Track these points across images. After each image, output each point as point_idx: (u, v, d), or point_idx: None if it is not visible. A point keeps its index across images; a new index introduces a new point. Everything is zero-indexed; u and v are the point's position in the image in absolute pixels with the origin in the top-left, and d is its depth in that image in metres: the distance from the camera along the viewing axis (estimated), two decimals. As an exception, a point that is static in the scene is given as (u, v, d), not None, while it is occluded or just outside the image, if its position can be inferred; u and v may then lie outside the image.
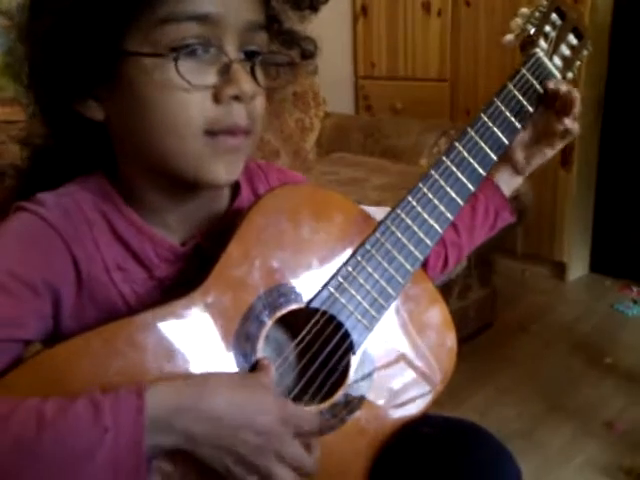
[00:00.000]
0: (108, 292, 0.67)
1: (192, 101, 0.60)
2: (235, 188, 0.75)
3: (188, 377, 0.59)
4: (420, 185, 0.73)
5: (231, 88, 0.61)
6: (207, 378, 0.59)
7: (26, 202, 0.65)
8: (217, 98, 0.61)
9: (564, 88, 0.80)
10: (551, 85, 0.80)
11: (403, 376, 0.71)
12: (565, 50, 0.86)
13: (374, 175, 1.89)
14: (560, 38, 0.85)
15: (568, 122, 0.81)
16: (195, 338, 0.61)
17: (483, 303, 2.05)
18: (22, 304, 0.59)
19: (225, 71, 0.61)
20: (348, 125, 2.33)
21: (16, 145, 1.76)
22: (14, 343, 0.59)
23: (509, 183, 0.89)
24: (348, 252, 0.69)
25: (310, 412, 0.63)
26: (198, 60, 0.60)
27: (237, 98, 0.61)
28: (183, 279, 0.68)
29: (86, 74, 0.61)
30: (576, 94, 0.81)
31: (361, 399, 0.69)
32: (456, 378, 0.75)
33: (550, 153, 0.86)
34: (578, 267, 2.49)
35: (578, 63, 0.89)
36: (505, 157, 0.86)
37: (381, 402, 0.70)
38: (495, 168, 0.87)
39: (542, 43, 0.83)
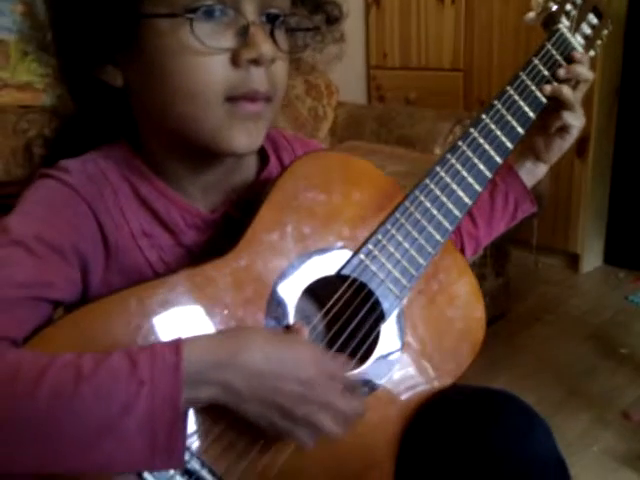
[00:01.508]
0: (135, 259, 0.67)
1: (209, 65, 0.59)
2: (263, 158, 0.75)
3: (226, 332, 0.59)
4: (448, 156, 0.72)
5: (249, 51, 0.59)
6: (244, 332, 0.59)
7: (50, 169, 0.65)
8: (235, 62, 0.60)
9: (577, 69, 0.79)
10: (562, 72, 0.79)
11: (433, 346, 0.71)
12: (586, 29, 0.85)
13: (390, 163, 1.88)
14: (581, 17, 0.85)
15: (567, 116, 0.80)
16: (227, 301, 0.61)
17: (497, 293, 2.03)
18: (51, 267, 0.59)
19: (243, 33, 0.60)
20: (361, 114, 2.33)
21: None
22: (44, 302, 0.59)
23: (532, 172, 0.86)
24: (378, 220, 0.68)
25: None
26: (215, 22, 0.59)
27: (256, 62, 0.60)
28: (211, 247, 0.68)
29: (105, 38, 0.61)
30: (587, 74, 0.79)
31: (388, 369, 0.69)
32: (471, 366, 0.75)
33: (566, 143, 0.83)
34: (592, 259, 2.47)
35: (599, 42, 0.89)
36: (526, 144, 0.84)
37: (411, 371, 0.70)
38: (517, 157, 0.86)
39: (564, 21, 0.83)
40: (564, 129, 0.81)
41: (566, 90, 0.78)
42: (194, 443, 0.57)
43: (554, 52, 0.79)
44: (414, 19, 2.61)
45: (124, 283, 0.63)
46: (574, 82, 0.79)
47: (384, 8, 2.69)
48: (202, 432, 0.58)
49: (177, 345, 0.53)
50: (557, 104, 0.79)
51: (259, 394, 0.55)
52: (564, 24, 0.81)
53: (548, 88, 0.78)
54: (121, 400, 0.50)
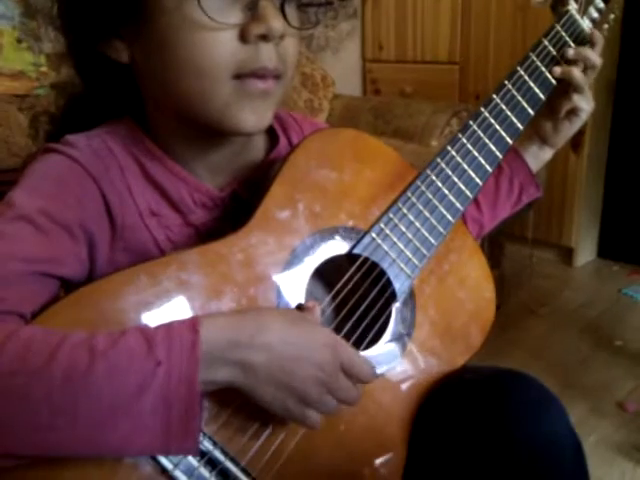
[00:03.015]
0: (142, 238, 0.65)
1: (216, 41, 0.58)
2: (272, 138, 0.74)
3: (242, 312, 0.58)
4: (459, 135, 0.72)
5: (258, 26, 0.58)
6: (262, 312, 0.58)
7: (55, 143, 0.64)
8: (243, 38, 0.58)
9: (586, 52, 0.78)
10: (570, 52, 0.78)
11: (444, 326, 0.70)
12: (594, 12, 0.85)
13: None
14: (588, 1, 0.85)
15: (577, 99, 0.79)
16: (238, 278, 0.60)
17: (493, 285, 2.03)
18: (56, 243, 0.58)
19: (252, 8, 0.58)
20: (357, 106, 2.31)
21: (22, 115, 1.76)
22: (50, 278, 0.58)
23: (538, 156, 0.86)
24: (389, 199, 0.68)
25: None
26: None
27: (265, 37, 0.58)
28: (219, 227, 0.67)
29: (110, 11, 0.60)
30: (595, 59, 0.79)
31: (400, 350, 0.68)
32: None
33: (575, 126, 0.83)
34: (586, 253, 2.48)
35: (606, 26, 0.88)
36: (533, 127, 0.83)
37: (421, 353, 0.69)
38: (522, 140, 0.85)
39: (572, 3, 0.82)
40: (573, 112, 0.81)
41: (576, 72, 0.77)
42: (205, 424, 0.56)
43: (563, 33, 0.79)
44: (410, 11, 2.59)
45: (130, 262, 0.62)
46: (582, 66, 0.79)
47: (380, 0, 2.67)
48: (213, 413, 0.56)
49: (194, 323, 0.52)
50: (566, 87, 0.79)
51: (276, 377, 0.54)
52: (572, 7, 0.81)
53: (558, 70, 0.77)
54: (137, 380, 0.48)
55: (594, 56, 0.79)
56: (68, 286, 0.61)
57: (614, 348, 1.90)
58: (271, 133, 0.74)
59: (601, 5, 0.86)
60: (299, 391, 0.55)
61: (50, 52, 1.86)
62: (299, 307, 0.62)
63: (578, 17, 0.81)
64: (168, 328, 0.51)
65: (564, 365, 1.82)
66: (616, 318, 2.08)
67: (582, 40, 0.81)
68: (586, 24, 0.82)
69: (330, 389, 0.57)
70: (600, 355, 1.87)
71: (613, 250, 2.47)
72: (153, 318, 0.55)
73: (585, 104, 0.80)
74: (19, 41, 1.87)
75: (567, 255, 2.46)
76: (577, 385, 1.72)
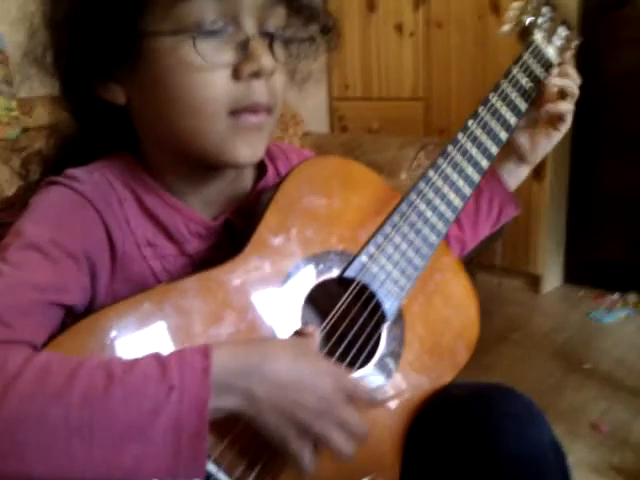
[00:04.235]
0: (140, 268, 0.67)
1: (211, 81, 0.60)
2: (260, 168, 0.76)
3: (248, 341, 0.59)
4: (439, 161, 0.75)
5: (250, 64, 0.61)
6: (267, 342, 0.60)
7: (58, 177, 0.65)
8: (236, 76, 0.61)
9: (561, 81, 0.83)
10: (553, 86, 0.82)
11: (432, 345, 0.73)
12: (557, 41, 0.90)
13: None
14: (552, 29, 0.90)
15: (562, 106, 0.83)
16: (236, 304, 0.61)
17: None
18: (65, 272, 0.59)
19: (244, 47, 0.61)
20: (328, 143, 2.36)
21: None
22: (57, 307, 0.58)
23: (515, 173, 0.89)
24: (377, 222, 0.70)
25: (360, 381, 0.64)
26: (216, 38, 0.60)
27: (257, 75, 0.61)
28: (214, 255, 0.68)
29: (106, 56, 0.61)
30: (572, 84, 0.83)
31: (391, 369, 0.70)
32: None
33: (553, 140, 0.86)
34: (552, 279, 2.54)
35: (569, 53, 0.94)
36: (509, 147, 0.86)
37: (411, 371, 0.71)
38: (499, 160, 0.88)
39: (537, 33, 0.87)
40: (560, 118, 0.84)
41: (562, 105, 0.82)
42: (209, 447, 0.57)
43: (531, 61, 0.84)
44: (374, 50, 2.68)
45: (129, 292, 0.63)
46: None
47: (344, 40, 2.73)
48: (217, 436, 0.57)
49: (206, 351, 0.53)
50: (541, 100, 0.83)
51: (279, 406, 0.55)
52: (538, 35, 0.86)
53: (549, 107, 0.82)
54: (150, 404, 0.49)
55: (573, 85, 0.83)
56: (67, 315, 0.62)
57: (584, 371, 1.94)
58: (259, 163, 0.76)
59: (564, 33, 0.91)
60: (302, 421, 0.56)
61: (22, 96, 1.86)
62: (298, 332, 0.63)
63: (543, 46, 0.86)
64: (181, 354, 0.53)
65: (537, 389, 1.84)
66: (584, 342, 2.13)
67: (549, 67, 0.85)
68: (551, 52, 0.87)
69: (335, 421, 0.58)
70: (571, 378, 1.91)
71: (578, 275, 2.54)
72: (156, 345, 0.56)
73: (567, 108, 0.84)
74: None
75: (534, 282, 2.52)
76: (551, 408, 1.74)
